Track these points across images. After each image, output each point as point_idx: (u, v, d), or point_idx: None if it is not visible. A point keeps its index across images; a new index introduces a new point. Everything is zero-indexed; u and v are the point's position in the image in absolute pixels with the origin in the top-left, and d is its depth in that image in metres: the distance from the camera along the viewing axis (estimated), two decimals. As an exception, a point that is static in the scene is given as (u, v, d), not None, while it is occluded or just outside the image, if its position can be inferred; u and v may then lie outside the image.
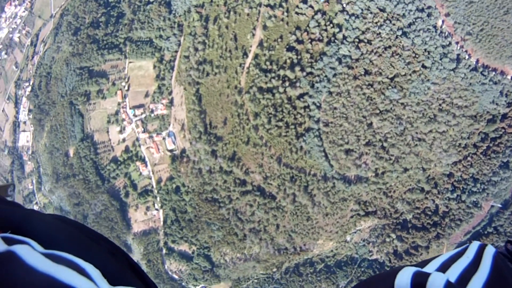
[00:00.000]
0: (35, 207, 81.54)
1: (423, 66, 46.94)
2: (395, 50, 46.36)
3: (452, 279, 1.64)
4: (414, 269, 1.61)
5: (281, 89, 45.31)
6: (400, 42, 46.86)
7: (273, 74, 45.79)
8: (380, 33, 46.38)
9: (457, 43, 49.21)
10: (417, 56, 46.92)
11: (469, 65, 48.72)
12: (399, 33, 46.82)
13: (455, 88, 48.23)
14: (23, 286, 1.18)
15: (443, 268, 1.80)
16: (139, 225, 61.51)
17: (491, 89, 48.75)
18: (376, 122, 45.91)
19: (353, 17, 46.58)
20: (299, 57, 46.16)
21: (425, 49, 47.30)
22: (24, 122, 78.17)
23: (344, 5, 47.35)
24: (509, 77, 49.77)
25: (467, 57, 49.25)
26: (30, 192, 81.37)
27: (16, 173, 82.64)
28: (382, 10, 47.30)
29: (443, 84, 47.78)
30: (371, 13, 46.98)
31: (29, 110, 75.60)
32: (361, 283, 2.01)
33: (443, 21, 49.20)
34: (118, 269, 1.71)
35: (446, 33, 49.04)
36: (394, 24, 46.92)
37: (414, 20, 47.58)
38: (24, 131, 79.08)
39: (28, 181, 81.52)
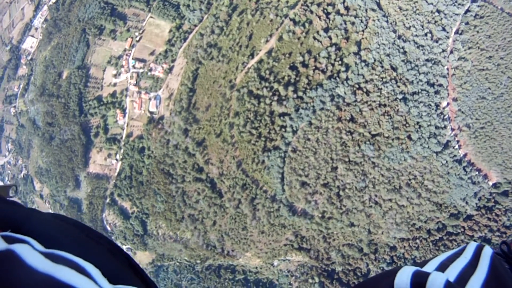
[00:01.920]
0: (12, 110, 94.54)
1: (409, 137, 54.92)
2: (388, 111, 54.51)
3: (451, 279, 1.85)
4: (413, 268, 1.82)
5: (268, 101, 54.35)
6: (397, 105, 54.99)
7: (267, 84, 54.87)
8: (381, 88, 54.64)
9: (452, 129, 56.84)
10: (407, 125, 54.93)
11: (455, 155, 56.29)
12: (400, 96, 54.94)
13: (431, 171, 55.99)
14: (22, 286, 1.30)
15: (441, 268, 2.05)
16: (95, 167, 72.47)
17: (467, 187, 56.13)
18: (342, 169, 54.33)
19: (363, 63, 55.04)
20: (297, 78, 55.02)
21: (418, 122, 55.24)
22: (36, 29, 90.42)
23: (361, 49, 55.81)
24: (490, 183, 56.97)
25: (456, 147, 56.84)
26: (14, 94, 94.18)
27: (8, 72, 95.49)
28: (394, 68, 55.51)
29: (420, 162, 55.63)
30: (382, 67, 55.31)
31: (45, 19, 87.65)
32: (360, 284, 2.27)
33: (447, 104, 56.93)
34: (118, 268, 1.95)
35: (446, 116, 56.75)
36: (398, 86, 55.06)
37: (420, 90, 55.59)
38: (32, 36, 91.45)
39: (16, 84, 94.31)
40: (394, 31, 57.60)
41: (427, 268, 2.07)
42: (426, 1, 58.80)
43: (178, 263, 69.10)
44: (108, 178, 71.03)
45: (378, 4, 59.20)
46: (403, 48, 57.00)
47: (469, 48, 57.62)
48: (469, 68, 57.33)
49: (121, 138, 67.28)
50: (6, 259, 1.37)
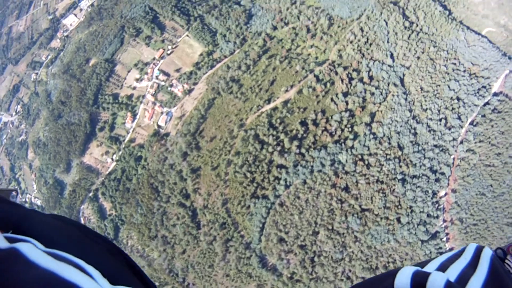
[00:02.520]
0: (33, 76, 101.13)
1: (398, 220, 56.66)
2: (384, 189, 56.74)
3: (451, 280, 1.91)
4: (413, 268, 1.91)
5: (270, 149, 57.61)
6: (394, 185, 57.21)
7: (274, 132, 58.37)
8: (383, 165, 57.22)
9: (444, 221, 58.37)
10: (399, 207, 56.81)
11: (440, 247, 57.49)
12: (399, 177, 57.25)
13: (412, 258, 57.14)
14: (26, 283, 1.36)
15: (442, 268, 2.14)
16: (90, 159, 76.38)
17: None
18: (323, 235, 56.15)
19: (371, 136, 58.15)
20: (305, 135, 58.39)
21: (411, 207, 57.11)
22: (81, 9, 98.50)
23: (373, 121, 59.12)
24: None
25: (444, 239, 58.11)
26: (40, 62, 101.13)
27: (42, 39, 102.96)
28: (400, 147, 58.28)
29: (403, 247, 56.97)
30: (389, 143, 58.19)
31: (92, 4, 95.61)
32: (359, 284, 2.38)
33: (445, 194, 58.87)
34: (117, 268, 2.06)
35: (441, 206, 58.48)
36: (400, 166, 57.55)
37: (421, 174, 57.88)
38: (75, 15, 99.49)
39: (45, 53, 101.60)
40: (410, 110, 61.00)
41: (427, 269, 2.16)
42: (449, 87, 62.57)
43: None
44: (99, 174, 74.59)
45: (402, 80, 63.16)
46: (414, 129, 60.10)
47: (480, 141, 60.39)
48: (475, 162, 59.74)
49: (124, 140, 71.36)
50: (10, 257, 1.47)
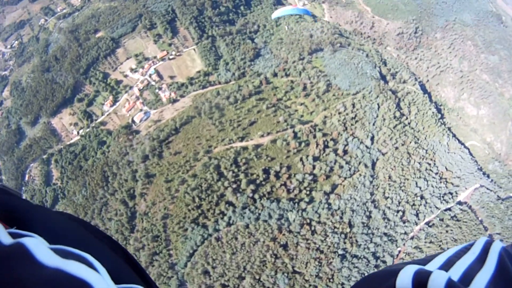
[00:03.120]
0: (41, 21, 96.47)
1: None
2: (322, 259, 56.39)
3: (456, 276, 1.86)
4: (415, 268, 1.80)
5: (226, 184, 56.75)
6: (333, 258, 56.72)
7: (235, 170, 57.79)
8: (328, 236, 57.28)
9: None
10: (331, 280, 55.90)
11: None
12: (340, 252, 57.14)
13: None
14: (33, 282, 1.30)
15: (448, 264, 2.01)
16: (58, 123, 72.74)
17: None
18: (248, 282, 54.71)
19: (326, 205, 58.56)
20: (263, 182, 58.14)
21: (342, 284, 55.96)
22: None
23: (333, 192, 59.70)
24: None
25: None
26: (53, 11, 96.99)
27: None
28: (350, 225, 59.02)
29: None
30: (340, 217, 58.98)
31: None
32: (362, 280, 2.27)
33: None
34: (120, 266, 2.01)
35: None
36: (344, 243, 57.88)
37: (362, 256, 58.30)
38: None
39: (62, 6, 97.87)
40: (372, 194, 62.19)
41: (432, 265, 2.08)
42: (416, 183, 64.52)
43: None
44: (60, 141, 70.75)
45: (373, 164, 64.69)
46: (370, 212, 60.99)
47: (430, 242, 61.84)
48: (418, 259, 60.64)
49: (96, 120, 68.46)
50: (15, 254, 1.40)
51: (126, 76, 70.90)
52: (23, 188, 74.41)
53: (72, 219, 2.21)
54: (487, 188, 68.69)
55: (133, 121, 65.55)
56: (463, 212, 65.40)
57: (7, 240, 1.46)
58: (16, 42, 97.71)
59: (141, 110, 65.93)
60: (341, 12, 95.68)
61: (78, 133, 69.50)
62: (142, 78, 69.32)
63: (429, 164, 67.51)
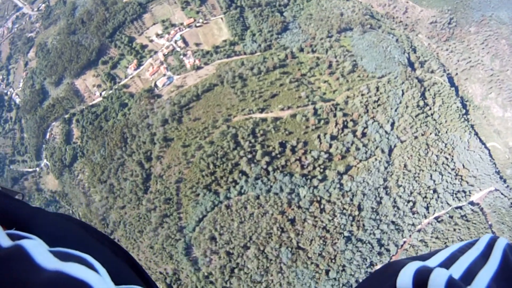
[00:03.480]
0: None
1: (326, 272, 57.70)
2: (327, 238, 58.19)
3: (460, 271, 1.92)
4: (416, 265, 1.86)
5: (242, 153, 59.18)
6: (338, 239, 58.50)
7: (252, 140, 60.11)
8: (336, 216, 58.73)
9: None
10: (333, 261, 57.96)
11: None
12: (346, 234, 58.69)
13: None
14: (33, 281, 1.32)
15: (452, 259, 2.06)
16: (81, 84, 77.40)
17: None
18: (252, 252, 57.43)
19: (338, 185, 59.83)
20: (278, 155, 60.12)
21: (344, 265, 58.00)
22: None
23: (346, 173, 60.90)
24: None
25: None
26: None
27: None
28: (360, 208, 60.04)
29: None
30: (351, 199, 60.17)
31: None
32: (366, 280, 2.36)
33: None
34: (121, 268, 2.08)
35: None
36: (351, 225, 59.16)
37: (367, 241, 59.55)
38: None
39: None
40: (385, 180, 62.92)
41: (436, 259, 2.12)
42: (431, 176, 64.62)
43: (70, 212, 71.18)
44: (82, 101, 75.39)
45: (390, 150, 65.24)
46: (381, 198, 61.91)
47: (436, 237, 62.31)
48: (422, 253, 61.25)
49: (119, 82, 72.43)
50: (14, 256, 1.43)
51: (151, 41, 74.24)
52: (44, 146, 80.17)
53: (71, 220, 2.28)
54: (502, 193, 67.73)
55: (155, 85, 68.96)
56: (474, 213, 65.01)
57: (6, 242, 1.51)
58: (43, 5, 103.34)
59: (164, 75, 69.17)
60: None
61: (100, 94, 73.80)
62: (168, 44, 72.43)
63: (447, 159, 67.20)
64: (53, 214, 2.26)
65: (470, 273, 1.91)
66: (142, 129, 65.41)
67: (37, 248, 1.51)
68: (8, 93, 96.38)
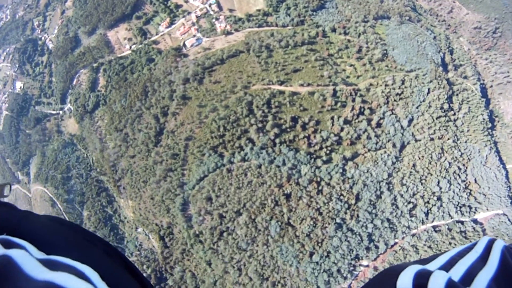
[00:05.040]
0: None
1: (310, 254, 70.42)
2: (318, 220, 70.60)
3: (459, 274, 2.34)
4: (416, 268, 2.27)
5: (253, 121, 73.53)
6: (328, 224, 70.65)
7: (266, 110, 74.36)
8: (332, 200, 70.85)
9: (349, 286, 71.50)
10: (319, 244, 70.47)
11: None
12: (338, 220, 70.60)
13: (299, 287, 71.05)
14: None
15: (451, 262, 2.50)
16: (113, 36, 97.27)
17: None
18: (243, 219, 71.61)
19: (340, 170, 71.76)
20: (288, 130, 73.65)
21: (329, 252, 70.33)
22: None
23: (351, 160, 72.71)
24: None
25: None
26: None
27: None
28: (357, 198, 71.59)
29: (299, 279, 71.03)
30: (350, 187, 71.75)
31: None
32: (366, 285, 2.76)
33: (367, 265, 71.74)
34: (115, 270, 2.46)
35: (356, 273, 71.50)
36: (345, 213, 71.00)
37: (358, 232, 71.04)
38: None
39: None
40: (390, 175, 73.70)
41: (435, 264, 2.55)
42: (438, 182, 74.18)
43: (84, 156, 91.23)
44: (111, 52, 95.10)
45: (402, 146, 75.86)
46: (381, 193, 72.87)
47: (429, 247, 72.12)
48: (411, 260, 71.26)
49: (149, 38, 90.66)
50: (3, 267, 1.70)
51: (186, 1, 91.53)
52: (70, 91, 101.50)
53: (61, 223, 2.69)
54: (509, 219, 74.21)
55: (184, 45, 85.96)
56: (475, 232, 72.25)
57: None
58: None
59: (194, 36, 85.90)
60: None
61: (130, 47, 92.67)
62: (202, 6, 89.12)
63: (459, 169, 75.62)
64: (43, 217, 2.70)
65: (470, 275, 2.36)
66: (164, 85, 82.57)
67: (25, 258, 1.84)
68: (43, 38, 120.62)
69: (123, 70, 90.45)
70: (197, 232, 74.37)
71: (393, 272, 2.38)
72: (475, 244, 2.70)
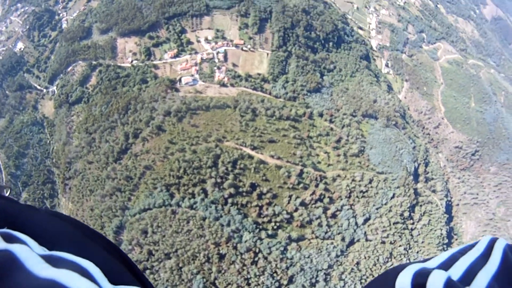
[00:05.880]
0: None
1: None
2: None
3: (459, 272, 2.38)
4: (415, 268, 2.33)
5: (213, 174, 78.09)
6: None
7: (230, 169, 79.32)
8: (261, 275, 74.14)
9: None
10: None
11: None
12: None
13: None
14: None
15: (452, 260, 2.55)
16: (121, 44, 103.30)
17: None
18: (169, 264, 73.96)
19: (282, 250, 75.42)
20: (244, 194, 78.10)
21: None
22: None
23: (296, 242, 77.13)
24: None
25: None
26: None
27: None
28: (291, 281, 75.03)
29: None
30: (286, 269, 75.07)
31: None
32: (367, 286, 2.82)
33: None
34: (116, 267, 2.51)
35: None
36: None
37: None
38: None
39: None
40: (330, 267, 77.27)
41: (435, 262, 2.60)
42: None
43: (47, 142, 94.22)
44: (113, 58, 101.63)
45: (351, 242, 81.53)
46: (317, 281, 76.00)
47: None
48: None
49: (152, 60, 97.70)
50: (4, 262, 1.70)
51: (198, 41, 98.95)
52: (61, 75, 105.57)
53: (63, 219, 2.73)
54: None
55: (179, 80, 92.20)
56: None
57: None
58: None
59: (192, 75, 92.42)
60: (417, 98, 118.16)
61: (131, 61, 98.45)
62: (210, 51, 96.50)
63: None
64: (43, 211, 2.71)
65: (470, 274, 2.38)
66: (146, 109, 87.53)
67: (28, 254, 1.85)
68: (61, 15, 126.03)
69: (116, 79, 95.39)
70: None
71: (393, 273, 2.46)
72: (477, 243, 2.77)
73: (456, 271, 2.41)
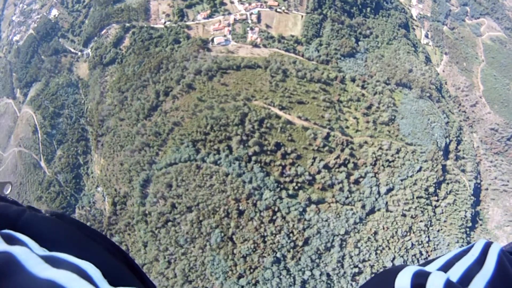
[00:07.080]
0: None
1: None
2: (258, 245, 76.26)
3: (455, 277, 2.49)
4: (414, 269, 2.43)
5: (239, 131, 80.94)
6: (262, 261, 76.26)
7: (256, 127, 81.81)
8: (278, 234, 76.59)
9: None
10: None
11: None
12: (278, 255, 76.15)
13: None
14: None
15: (447, 266, 2.67)
16: (154, 6, 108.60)
17: None
18: (190, 217, 78.03)
19: (301, 210, 77.60)
20: (268, 152, 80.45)
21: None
22: None
23: (316, 205, 78.74)
24: None
25: None
26: None
27: None
28: (306, 242, 76.97)
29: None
30: (303, 229, 77.14)
31: None
32: (364, 284, 2.97)
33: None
34: (117, 268, 2.59)
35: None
36: (289, 251, 76.43)
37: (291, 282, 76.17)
38: None
39: None
40: (347, 233, 78.98)
41: (431, 267, 2.73)
42: (393, 258, 79.27)
43: (82, 101, 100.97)
44: (146, 20, 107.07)
45: (371, 210, 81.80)
46: (332, 246, 78.47)
47: None
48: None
49: (185, 21, 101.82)
50: (4, 263, 1.79)
51: (232, 2, 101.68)
52: (95, 38, 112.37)
53: (65, 219, 2.79)
54: None
55: (212, 40, 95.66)
56: None
57: None
58: None
59: (224, 36, 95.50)
60: (455, 73, 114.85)
61: (164, 22, 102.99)
62: (243, 12, 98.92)
63: (421, 254, 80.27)
64: (44, 212, 2.78)
65: (466, 278, 2.51)
66: (177, 68, 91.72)
67: (28, 255, 1.94)
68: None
69: (149, 40, 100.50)
70: (146, 212, 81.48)
71: (391, 273, 2.57)
72: (471, 247, 2.87)
73: (453, 276, 2.57)
